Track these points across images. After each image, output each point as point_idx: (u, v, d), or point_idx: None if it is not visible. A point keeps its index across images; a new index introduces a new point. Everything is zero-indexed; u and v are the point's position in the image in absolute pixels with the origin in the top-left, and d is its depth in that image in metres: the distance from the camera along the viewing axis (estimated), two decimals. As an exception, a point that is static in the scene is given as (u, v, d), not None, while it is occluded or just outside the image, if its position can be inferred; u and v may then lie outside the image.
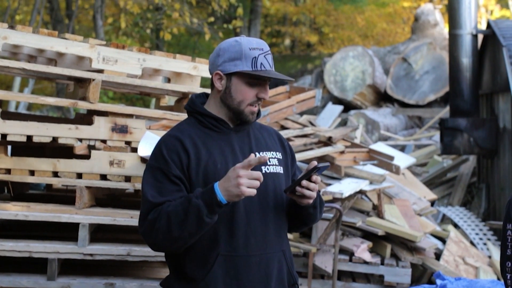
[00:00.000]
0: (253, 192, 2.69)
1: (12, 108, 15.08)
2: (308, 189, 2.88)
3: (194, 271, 2.90)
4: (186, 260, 2.92)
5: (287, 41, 34.73)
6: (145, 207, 2.84)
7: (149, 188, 2.87)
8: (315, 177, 2.89)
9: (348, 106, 15.20)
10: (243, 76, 2.92)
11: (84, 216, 4.06)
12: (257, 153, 2.98)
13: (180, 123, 3.05)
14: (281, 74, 2.98)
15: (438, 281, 5.38)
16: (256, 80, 2.93)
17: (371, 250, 6.82)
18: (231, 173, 2.70)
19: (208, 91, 3.17)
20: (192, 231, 2.75)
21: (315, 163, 2.86)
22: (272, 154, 3.06)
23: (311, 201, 2.95)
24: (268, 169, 2.99)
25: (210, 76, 3.08)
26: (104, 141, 4.21)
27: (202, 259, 2.89)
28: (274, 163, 3.04)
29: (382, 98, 15.84)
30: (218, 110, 3.00)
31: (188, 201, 2.73)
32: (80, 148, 5.20)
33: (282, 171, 3.07)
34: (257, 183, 2.70)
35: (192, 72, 4.67)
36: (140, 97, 20.74)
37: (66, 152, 4.95)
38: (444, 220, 9.64)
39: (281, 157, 3.10)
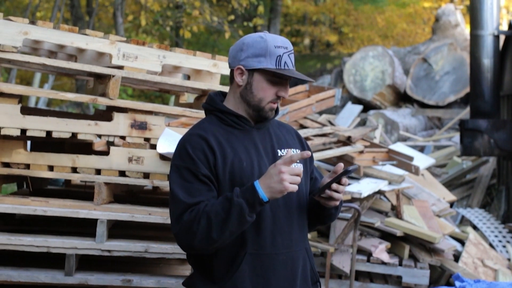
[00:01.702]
0: (295, 188, 2.69)
1: (32, 104, 15.17)
2: (337, 191, 2.88)
3: (221, 270, 2.89)
4: (213, 259, 2.90)
5: (307, 41, 34.72)
6: (178, 207, 2.81)
7: (179, 188, 2.83)
8: (344, 179, 2.89)
9: (367, 106, 15.16)
10: (266, 74, 2.91)
11: (102, 212, 4.06)
12: (283, 151, 3.00)
13: (200, 122, 3.03)
14: (303, 75, 2.98)
15: (457, 283, 5.34)
16: (278, 78, 2.92)
17: (389, 251, 6.78)
18: (273, 170, 2.69)
19: (226, 89, 3.15)
20: (233, 231, 2.73)
21: (342, 165, 2.85)
22: (293, 151, 3.05)
23: (337, 203, 2.96)
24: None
25: (229, 74, 3.06)
26: (123, 138, 4.20)
27: (229, 258, 2.88)
28: None
29: (401, 98, 15.77)
30: (237, 106, 2.99)
31: (229, 200, 2.70)
32: (99, 144, 5.20)
33: (302, 169, 3.05)
34: (299, 179, 2.71)
35: (212, 70, 4.65)
36: (159, 94, 20.80)
37: (85, 148, 4.95)
38: (463, 221, 9.57)
39: None
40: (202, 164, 2.83)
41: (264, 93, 2.92)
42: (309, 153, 2.73)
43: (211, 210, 2.72)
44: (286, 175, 2.66)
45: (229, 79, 3.05)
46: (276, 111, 3.07)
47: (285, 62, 2.90)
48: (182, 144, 2.92)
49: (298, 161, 3.03)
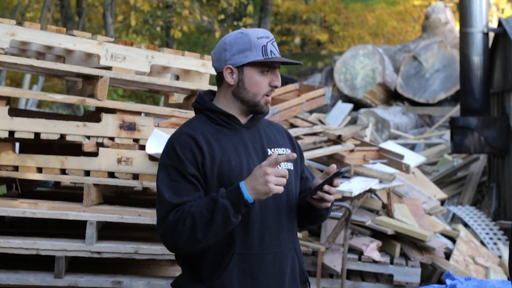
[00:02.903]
0: (281, 189, 2.68)
1: (22, 105, 15.11)
2: (329, 193, 2.88)
3: (209, 270, 2.87)
4: (201, 259, 2.89)
5: (297, 39, 34.73)
6: (164, 208, 2.80)
7: (165, 188, 2.82)
8: (336, 181, 2.88)
9: (358, 105, 15.16)
10: (255, 66, 2.90)
11: (91, 213, 4.04)
12: (273, 150, 2.99)
13: (189, 120, 3.02)
14: (291, 59, 2.98)
15: (448, 281, 5.35)
16: (268, 67, 2.92)
17: (381, 249, 6.79)
18: (258, 171, 2.68)
19: (215, 88, 3.13)
20: (217, 232, 2.72)
21: (334, 166, 2.84)
22: (283, 151, 3.05)
23: (329, 204, 2.95)
24: (280, 165, 2.96)
25: (216, 78, 3.05)
26: (112, 139, 4.19)
27: (217, 258, 2.87)
28: None
29: (392, 96, 15.80)
30: (229, 106, 2.97)
31: (214, 201, 2.69)
32: (88, 146, 5.18)
33: (292, 168, 3.05)
34: (284, 180, 2.69)
35: (201, 70, 4.65)
36: (150, 94, 20.77)
37: (74, 149, 4.93)
38: (454, 219, 9.59)
39: None
40: (189, 163, 2.82)
41: (258, 86, 2.91)
42: (294, 155, 2.71)
43: (196, 210, 2.70)
44: (271, 176, 2.64)
45: (216, 82, 3.04)
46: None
47: (271, 51, 2.90)
48: (170, 143, 2.91)
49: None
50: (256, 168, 2.71)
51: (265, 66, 2.91)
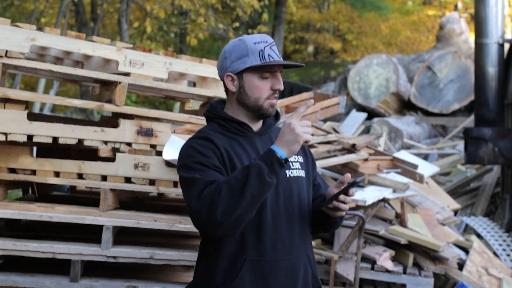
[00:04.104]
0: (310, 137, 2.71)
1: (36, 110, 15.19)
2: (344, 203, 2.89)
3: (221, 276, 2.87)
4: (213, 265, 2.90)
5: (311, 48, 34.77)
6: (198, 186, 2.72)
7: (194, 174, 2.76)
8: (351, 190, 2.89)
9: (371, 114, 15.17)
10: (253, 71, 2.91)
11: (108, 218, 4.07)
12: None
13: (202, 129, 3.02)
14: (291, 62, 2.98)
15: (461, 292, 5.34)
16: (268, 72, 2.92)
17: (394, 259, 6.77)
18: (283, 127, 2.71)
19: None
20: (254, 193, 2.64)
21: (349, 176, 2.85)
22: (295, 158, 3.07)
23: (344, 213, 2.96)
24: (292, 173, 2.99)
25: (223, 86, 3.06)
26: (129, 144, 4.21)
27: (229, 264, 2.87)
28: (297, 167, 3.05)
29: (405, 106, 15.79)
30: (237, 113, 2.99)
31: (246, 167, 2.67)
32: (105, 151, 5.21)
33: (304, 175, 3.06)
34: (310, 130, 2.72)
35: (217, 77, 4.67)
36: (163, 100, 20.82)
37: (91, 154, 4.96)
38: (467, 230, 9.56)
39: (302, 161, 3.11)
40: (213, 158, 2.81)
41: (259, 91, 2.92)
42: (312, 101, 2.76)
43: (230, 178, 2.68)
44: (297, 125, 2.68)
45: (224, 91, 3.06)
46: (277, 116, 3.08)
47: (268, 55, 2.90)
48: (189, 145, 2.89)
49: (300, 167, 3.06)
50: (282, 126, 2.74)
51: (264, 70, 2.92)
